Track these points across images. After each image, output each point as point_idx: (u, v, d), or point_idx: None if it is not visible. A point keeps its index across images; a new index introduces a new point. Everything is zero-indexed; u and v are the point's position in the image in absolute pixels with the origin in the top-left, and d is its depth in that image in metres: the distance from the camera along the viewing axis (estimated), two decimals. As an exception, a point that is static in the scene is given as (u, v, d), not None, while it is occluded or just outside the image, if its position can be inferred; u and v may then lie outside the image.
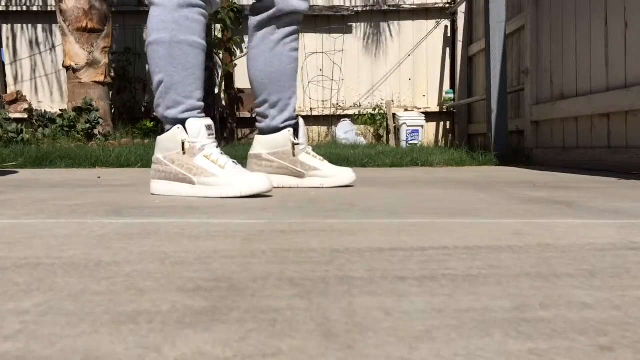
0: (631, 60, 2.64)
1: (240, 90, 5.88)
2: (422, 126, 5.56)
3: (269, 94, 1.81)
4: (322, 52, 6.10)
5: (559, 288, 0.57)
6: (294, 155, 1.82)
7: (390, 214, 1.12)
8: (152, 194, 1.58)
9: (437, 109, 6.06)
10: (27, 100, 5.88)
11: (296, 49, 1.83)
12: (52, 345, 0.41)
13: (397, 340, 0.42)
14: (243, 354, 0.40)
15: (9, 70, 6.01)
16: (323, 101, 6.13)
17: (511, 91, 4.25)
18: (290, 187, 1.82)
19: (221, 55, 5.85)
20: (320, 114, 6.07)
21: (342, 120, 5.87)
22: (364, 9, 6.03)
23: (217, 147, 1.57)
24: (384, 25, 6.11)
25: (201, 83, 1.60)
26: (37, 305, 0.51)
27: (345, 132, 5.71)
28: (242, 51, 5.88)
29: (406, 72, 6.12)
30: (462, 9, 5.72)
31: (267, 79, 1.80)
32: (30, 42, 6.00)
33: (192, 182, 1.52)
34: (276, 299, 0.53)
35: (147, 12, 1.59)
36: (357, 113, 5.99)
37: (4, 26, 5.98)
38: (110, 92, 5.29)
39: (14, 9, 5.94)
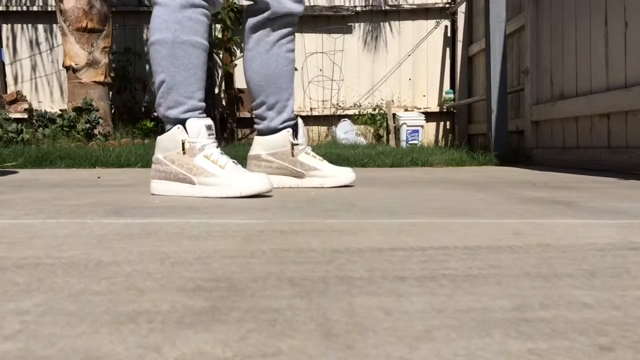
0: (631, 60, 2.64)
1: (240, 90, 5.88)
2: (422, 126, 5.56)
3: (266, 96, 1.81)
4: (322, 52, 6.10)
5: (559, 288, 0.57)
6: (293, 155, 1.82)
7: (390, 214, 1.12)
8: (152, 194, 1.58)
9: (437, 109, 6.06)
10: (27, 100, 5.88)
11: (292, 50, 1.83)
12: (52, 345, 0.41)
13: (397, 340, 0.42)
14: (243, 354, 0.40)
15: (9, 70, 6.01)
16: (323, 101, 6.13)
17: (511, 91, 4.25)
18: (290, 187, 1.82)
19: (221, 55, 5.85)
20: (320, 114, 6.07)
21: (342, 120, 5.87)
22: (364, 9, 6.03)
23: (217, 147, 1.57)
24: (384, 25, 6.11)
25: (203, 83, 1.60)
26: (37, 305, 0.51)
27: (345, 132, 5.71)
28: (242, 51, 5.83)
29: (406, 72, 6.12)
30: (462, 9, 5.72)
31: (264, 81, 1.80)
32: (30, 42, 6.00)
33: (192, 182, 1.52)
34: (276, 299, 0.53)
35: (148, 12, 1.60)
36: (357, 113, 5.99)
37: (4, 26, 5.98)
38: (110, 92, 5.30)
39: (14, 9, 5.94)
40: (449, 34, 6.06)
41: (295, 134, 1.83)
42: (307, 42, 6.03)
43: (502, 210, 1.20)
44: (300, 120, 1.88)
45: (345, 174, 1.82)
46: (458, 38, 5.81)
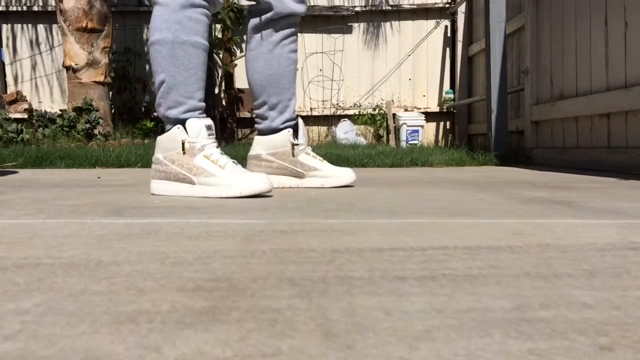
0: (631, 60, 2.64)
1: (240, 90, 5.88)
2: (422, 126, 5.56)
3: (268, 96, 1.81)
4: (322, 52, 6.10)
5: (559, 288, 0.57)
6: (293, 155, 1.82)
7: (390, 214, 1.12)
8: (152, 194, 1.58)
9: (437, 109, 6.06)
10: (27, 100, 5.88)
11: (295, 51, 1.83)
12: (52, 345, 0.41)
13: (397, 340, 0.42)
14: (243, 354, 0.40)
15: (9, 70, 6.01)
16: (323, 101, 6.13)
17: (511, 91, 4.25)
18: (290, 187, 1.82)
19: (221, 55, 5.85)
20: (320, 114, 6.07)
21: (342, 120, 5.87)
22: (364, 9, 6.03)
23: (217, 147, 1.57)
24: (384, 25, 6.11)
25: (203, 83, 1.60)
26: (37, 305, 0.51)
27: (345, 132, 5.71)
28: (242, 51, 5.89)
29: (406, 72, 6.12)
30: (462, 9, 5.73)
31: (266, 81, 1.80)
32: (30, 42, 6.00)
33: (192, 182, 1.52)
34: (276, 299, 0.53)
35: (148, 12, 1.60)
36: (357, 113, 5.99)
37: (4, 26, 5.98)
38: (110, 92, 5.30)
39: (14, 9, 5.94)
40: (449, 34, 6.06)
41: (295, 134, 1.83)
42: (307, 42, 6.03)
43: (502, 210, 1.20)
44: (300, 121, 1.88)
45: (345, 174, 1.82)
46: (458, 38, 5.81)
